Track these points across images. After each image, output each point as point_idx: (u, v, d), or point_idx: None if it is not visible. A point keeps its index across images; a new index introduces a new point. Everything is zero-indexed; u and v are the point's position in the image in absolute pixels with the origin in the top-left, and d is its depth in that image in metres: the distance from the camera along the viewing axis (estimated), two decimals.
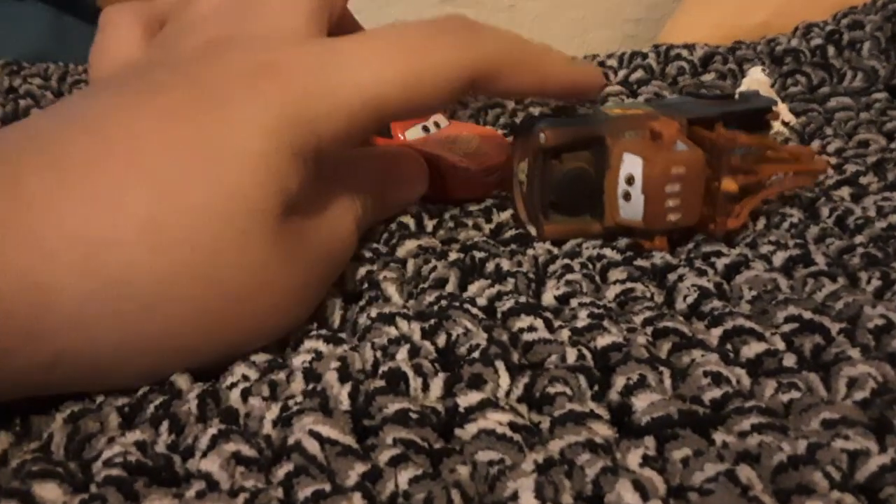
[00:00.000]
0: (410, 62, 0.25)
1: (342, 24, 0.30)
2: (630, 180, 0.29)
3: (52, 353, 0.21)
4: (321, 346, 0.24)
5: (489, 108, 0.45)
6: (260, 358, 0.24)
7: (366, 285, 0.28)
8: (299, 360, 0.24)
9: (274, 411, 0.22)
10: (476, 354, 0.23)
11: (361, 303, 0.27)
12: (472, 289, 0.28)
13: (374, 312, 0.26)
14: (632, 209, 0.29)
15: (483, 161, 0.33)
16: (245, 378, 0.23)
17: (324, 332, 0.25)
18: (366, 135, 0.26)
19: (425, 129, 0.35)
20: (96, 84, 0.27)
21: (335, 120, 0.24)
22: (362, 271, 0.29)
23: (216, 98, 0.23)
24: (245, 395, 0.23)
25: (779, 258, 0.30)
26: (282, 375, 0.23)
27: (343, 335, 0.26)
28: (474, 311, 0.26)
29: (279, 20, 0.26)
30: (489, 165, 0.33)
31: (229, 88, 0.23)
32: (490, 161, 0.33)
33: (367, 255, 0.30)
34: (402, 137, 0.35)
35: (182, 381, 0.23)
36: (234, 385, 0.23)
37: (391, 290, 0.27)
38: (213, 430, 0.21)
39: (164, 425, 0.22)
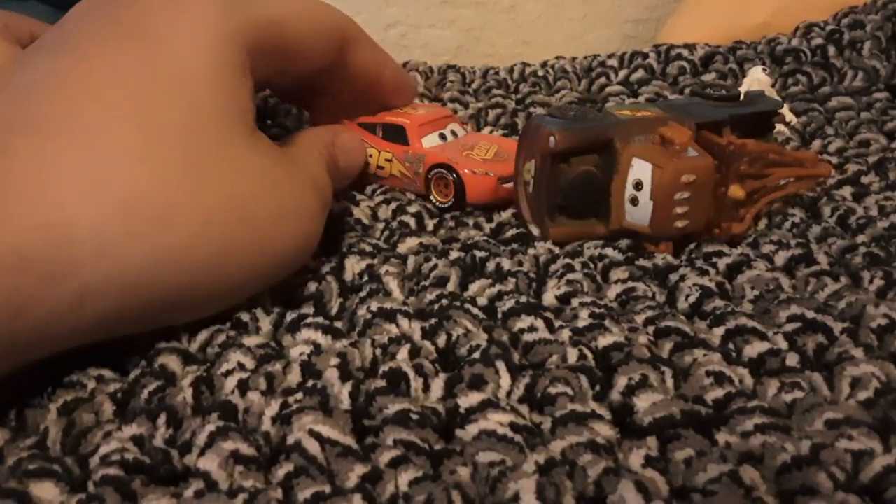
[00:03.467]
0: (302, 3, 0.29)
1: None
2: (638, 185, 0.29)
3: (78, 290, 0.21)
4: (319, 337, 0.24)
5: (490, 108, 0.45)
6: (254, 342, 0.24)
7: (366, 278, 0.28)
8: (297, 352, 0.24)
9: (273, 408, 0.21)
10: (477, 355, 0.23)
11: (362, 294, 0.27)
12: (473, 288, 0.28)
13: (374, 306, 0.26)
14: (639, 214, 0.29)
15: (501, 168, 0.33)
16: (241, 366, 0.23)
17: (321, 320, 0.25)
18: (274, 59, 0.28)
19: (442, 136, 0.35)
20: (19, 59, 0.27)
21: (254, 32, 0.26)
22: (363, 264, 0.29)
23: (149, 32, 0.25)
24: (242, 388, 0.22)
25: (781, 258, 0.29)
26: (278, 367, 0.23)
27: (340, 325, 0.26)
28: (475, 311, 0.26)
29: None
30: (507, 173, 0.33)
31: (156, 19, 0.25)
32: (507, 169, 0.33)
33: (368, 249, 0.30)
34: (418, 145, 0.35)
35: (174, 363, 0.23)
36: (229, 373, 0.23)
37: (392, 284, 0.27)
38: (211, 427, 0.20)
39: (162, 418, 0.21)
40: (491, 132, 0.43)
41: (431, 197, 0.34)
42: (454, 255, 0.30)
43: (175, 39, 0.24)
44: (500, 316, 0.26)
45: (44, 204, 0.21)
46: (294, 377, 0.23)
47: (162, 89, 0.24)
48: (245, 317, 0.26)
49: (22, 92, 0.24)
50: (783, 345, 0.24)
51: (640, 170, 0.29)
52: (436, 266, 0.29)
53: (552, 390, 0.22)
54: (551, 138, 0.29)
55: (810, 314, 0.25)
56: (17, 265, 0.20)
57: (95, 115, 0.23)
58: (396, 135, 0.35)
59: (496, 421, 0.21)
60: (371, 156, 0.36)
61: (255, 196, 0.24)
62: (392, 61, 0.35)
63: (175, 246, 0.22)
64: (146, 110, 0.23)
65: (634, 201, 0.29)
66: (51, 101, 0.23)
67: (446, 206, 0.34)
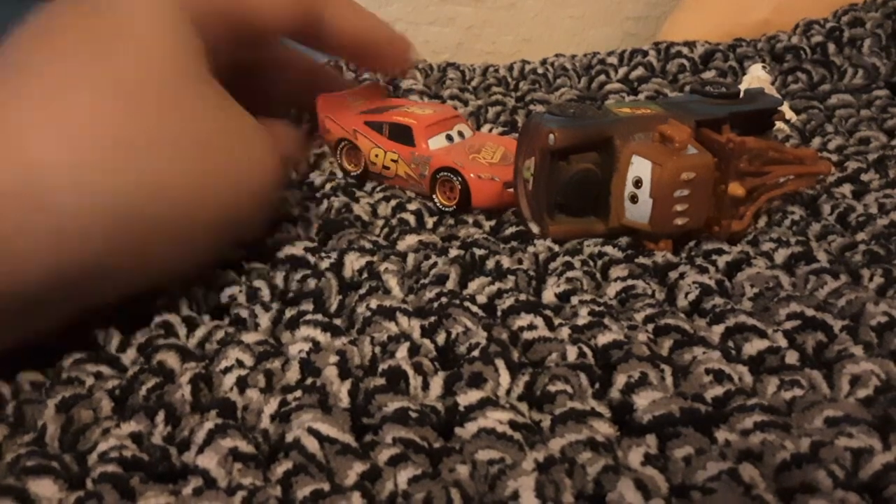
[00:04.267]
0: None
1: None
2: (638, 183, 0.29)
3: (58, 222, 0.22)
4: (318, 334, 0.24)
5: (489, 105, 0.45)
6: (252, 338, 0.24)
7: (366, 275, 0.28)
8: (296, 349, 0.24)
9: (272, 405, 0.21)
10: (476, 353, 0.23)
11: (361, 291, 0.27)
12: (473, 286, 0.28)
13: (373, 304, 0.26)
14: (638, 211, 0.29)
15: (507, 173, 0.33)
16: (239, 363, 0.23)
17: (320, 317, 0.25)
18: (232, 29, 0.29)
19: (449, 138, 0.35)
20: None
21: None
22: (362, 261, 0.29)
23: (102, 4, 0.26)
24: (241, 385, 0.22)
25: (780, 255, 0.29)
26: (277, 364, 0.23)
27: (339, 322, 0.26)
28: (474, 309, 0.26)
29: None
30: (512, 177, 0.33)
31: None
32: (513, 172, 0.33)
33: (368, 246, 0.30)
34: (425, 146, 0.35)
35: (172, 360, 0.23)
36: (227, 370, 0.23)
37: (392, 282, 0.27)
38: (209, 425, 0.20)
39: (160, 416, 0.21)
40: (490, 130, 0.43)
41: (436, 199, 0.34)
42: (454, 252, 0.30)
43: (128, 6, 0.26)
44: (499, 314, 0.26)
45: (16, 145, 0.22)
46: (293, 374, 0.23)
47: (116, 41, 0.25)
48: (244, 313, 0.26)
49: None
50: (783, 342, 0.24)
51: (640, 167, 0.29)
52: (435, 264, 0.29)
53: (552, 388, 0.22)
54: (551, 136, 0.29)
55: (810, 312, 0.25)
56: None
57: (56, 66, 0.24)
58: (403, 135, 0.35)
59: (495, 419, 0.21)
60: (377, 155, 0.36)
61: (217, 132, 0.26)
62: (383, 27, 0.34)
63: (148, 178, 0.23)
64: (103, 58, 0.24)
65: (634, 199, 0.29)
66: (17, 63, 0.24)
67: (450, 209, 0.34)
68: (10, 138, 0.22)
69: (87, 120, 0.23)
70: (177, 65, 0.26)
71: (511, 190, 0.32)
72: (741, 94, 0.33)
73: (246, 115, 0.28)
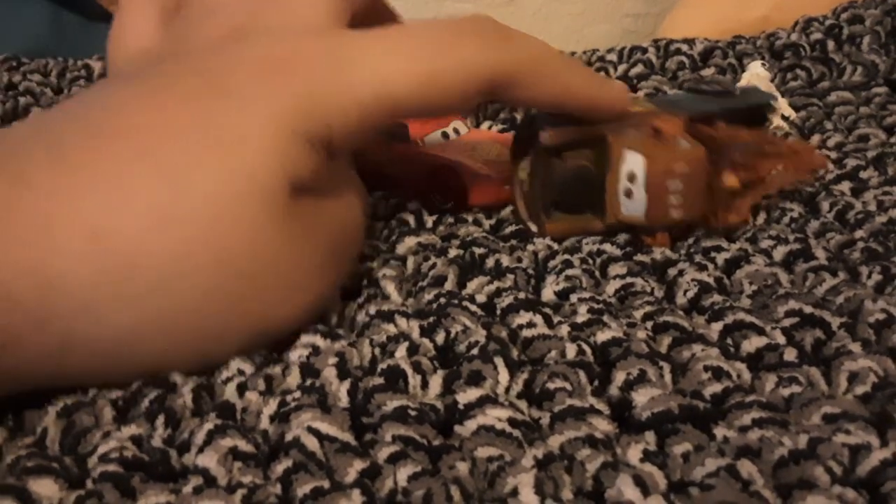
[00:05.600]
0: (428, 61, 0.24)
1: (375, 12, 0.30)
2: (632, 177, 0.29)
3: (61, 339, 0.20)
4: (318, 340, 0.24)
5: (489, 102, 0.45)
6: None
7: (365, 282, 0.28)
8: (296, 355, 0.24)
9: (272, 406, 0.21)
10: (475, 351, 0.23)
11: (360, 300, 0.27)
12: (472, 285, 0.28)
13: (372, 310, 0.26)
14: (634, 206, 0.29)
15: (503, 168, 0.33)
16: (240, 372, 0.23)
17: (321, 327, 0.25)
18: (378, 130, 0.26)
19: (444, 135, 0.35)
20: (108, 79, 0.27)
21: (347, 114, 0.24)
22: (361, 268, 0.29)
23: (226, 87, 0.23)
24: (241, 389, 0.22)
25: (779, 253, 0.30)
26: (277, 370, 0.23)
27: (341, 331, 0.26)
28: (473, 308, 0.26)
29: (297, 10, 0.26)
30: (510, 173, 0.33)
31: (240, 78, 0.23)
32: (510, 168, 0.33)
33: (367, 251, 0.30)
34: (420, 143, 0.34)
35: (177, 375, 0.23)
36: (229, 379, 0.23)
37: (390, 288, 0.27)
38: (209, 425, 0.21)
39: (160, 419, 0.21)
40: (490, 127, 0.43)
41: (432, 198, 0.34)
42: (453, 252, 0.30)
43: (242, 103, 0.23)
44: (498, 312, 0.26)
45: (42, 248, 0.20)
46: (293, 379, 0.23)
47: (201, 148, 0.22)
48: None
49: (73, 114, 0.23)
50: (781, 340, 0.24)
51: (633, 162, 0.29)
52: (434, 265, 0.29)
53: (551, 385, 0.22)
54: (544, 134, 0.29)
55: (808, 309, 0.25)
56: (7, 305, 0.20)
57: (124, 161, 0.21)
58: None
59: (495, 416, 0.21)
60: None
61: (268, 273, 0.23)
62: (578, 87, 0.28)
63: (164, 315, 0.21)
64: (175, 167, 0.22)
65: (629, 194, 0.29)
66: (86, 134, 0.22)
67: (446, 207, 0.34)
68: (39, 232, 0.20)
69: (119, 241, 0.21)
70: (257, 192, 0.22)
71: (508, 187, 0.32)
72: (735, 91, 0.33)
73: (310, 239, 0.24)
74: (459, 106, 0.26)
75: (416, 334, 0.25)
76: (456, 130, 0.36)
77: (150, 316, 0.21)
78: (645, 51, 0.51)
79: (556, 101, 0.28)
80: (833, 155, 0.38)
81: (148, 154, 0.22)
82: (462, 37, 0.25)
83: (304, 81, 0.24)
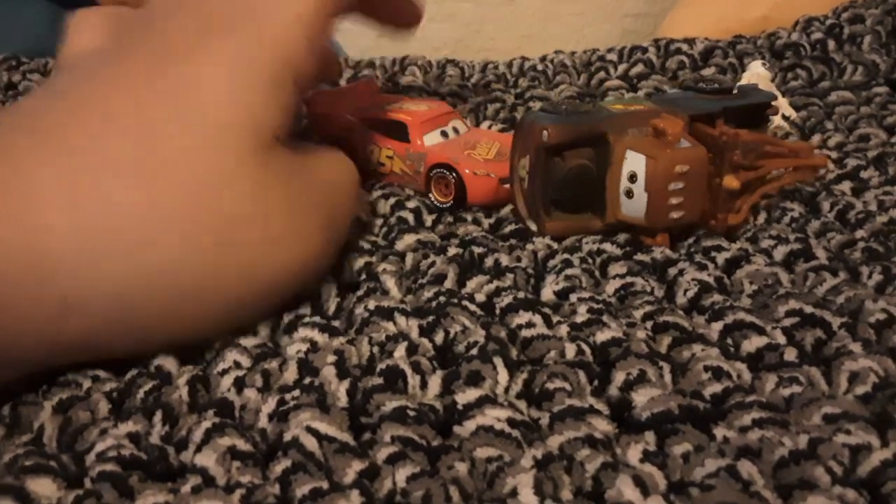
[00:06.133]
0: None
1: None
2: (633, 178, 0.29)
3: (58, 304, 0.21)
4: (316, 335, 0.24)
5: (489, 102, 0.45)
6: (250, 342, 0.24)
7: (364, 276, 0.28)
8: (294, 349, 0.24)
9: (270, 405, 0.21)
10: (474, 351, 0.23)
11: (359, 293, 0.27)
12: (471, 284, 0.28)
13: (371, 305, 0.26)
14: (634, 206, 0.29)
15: (502, 169, 0.33)
16: (237, 365, 0.23)
17: (318, 319, 0.25)
18: (321, 52, 0.27)
19: (444, 134, 0.35)
20: (66, 66, 0.27)
21: (294, 37, 0.25)
22: (360, 262, 0.29)
23: (180, 50, 0.24)
24: (239, 385, 0.22)
25: (779, 252, 0.29)
26: (274, 364, 0.23)
27: (337, 324, 0.26)
28: (472, 307, 0.26)
29: None
30: (508, 174, 0.33)
31: (192, 39, 0.24)
32: (509, 169, 0.33)
33: (366, 246, 0.30)
34: (420, 143, 0.34)
35: (170, 364, 0.23)
36: (225, 371, 0.23)
37: (390, 283, 0.27)
38: (207, 424, 0.20)
39: (158, 416, 0.21)
40: (490, 127, 0.43)
41: (431, 196, 0.34)
42: (452, 251, 0.30)
43: (199, 58, 0.24)
44: (498, 312, 0.26)
45: (26, 202, 0.21)
46: (291, 374, 0.23)
47: (167, 104, 0.23)
48: None
49: (44, 94, 0.24)
50: (781, 339, 0.24)
51: (634, 162, 0.29)
52: (434, 263, 0.29)
53: (550, 386, 0.22)
54: (545, 132, 0.29)
55: (809, 309, 0.25)
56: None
57: (93, 124, 0.22)
58: (398, 131, 0.35)
59: (494, 416, 0.21)
60: (372, 152, 0.36)
61: (247, 222, 0.23)
62: None
63: (153, 269, 0.22)
64: (145, 123, 0.23)
65: (629, 194, 0.29)
66: (58, 107, 0.23)
67: (446, 206, 0.34)
68: (26, 196, 0.21)
69: (102, 196, 0.21)
70: (233, 141, 0.23)
71: (507, 186, 0.32)
72: (734, 90, 0.33)
73: (296, 188, 0.25)
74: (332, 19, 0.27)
75: (415, 334, 0.25)
76: (455, 129, 0.36)
77: (140, 270, 0.22)
78: (645, 50, 0.51)
79: None
80: (833, 155, 0.38)
81: (117, 116, 0.23)
82: None
83: (245, 26, 0.24)
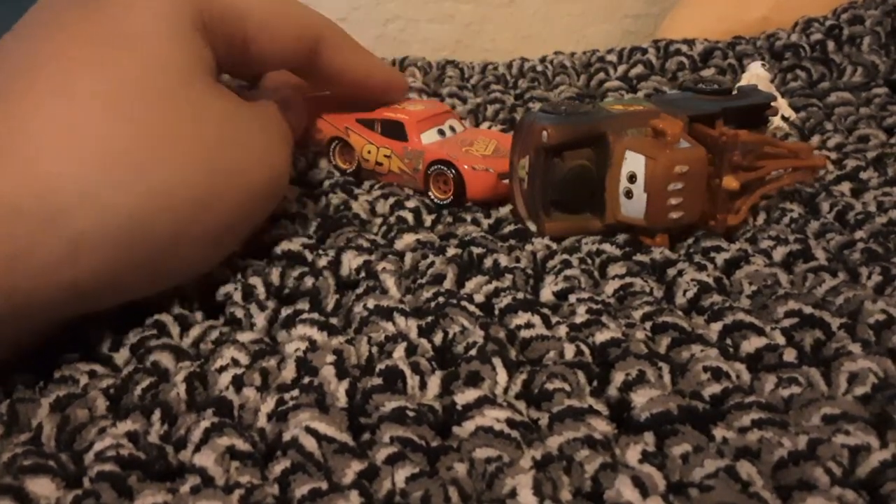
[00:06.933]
0: (278, 2, 0.30)
1: None
2: (632, 178, 0.29)
3: (71, 237, 0.22)
4: (315, 333, 0.24)
5: (488, 103, 0.45)
6: (247, 337, 0.24)
7: (363, 274, 0.28)
8: (292, 347, 0.24)
9: (269, 404, 0.21)
10: (473, 352, 0.23)
11: (358, 291, 0.27)
12: (470, 285, 0.28)
13: (371, 303, 0.26)
14: (633, 207, 0.29)
15: (500, 165, 0.33)
16: (235, 362, 0.23)
17: (316, 316, 0.25)
18: (236, 43, 0.29)
19: (441, 132, 0.35)
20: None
21: (213, 10, 0.27)
22: (359, 260, 0.29)
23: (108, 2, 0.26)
24: (237, 383, 0.22)
25: (779, 253, 0.29)
26: (273, 362, 0.23)
27: (335, 321, 0.26)
28: (471, 308, 0.26)
29: None
30: (506, 169, 0.33)
31: None
32: (507, 164, 0.33)
33: (366, 245, 0.30)
34: (418, 141, 0.35)
35: (167, 360, 0.23)
36: (223, 369, 0.23)
37: (389, 282, 0.27)
38: (206, 423, 0.20)
39: (156, 414, 0.21)
40: (490, 127, 0.43)
41: (431, 194, 0.34)
42: (451, 251, 0.30)
43: (132, 7, 0.26)
44: (497, 313, 0.26)
45: (25, 155, 0.22)
46: (289, 373, 0.23)
47: (120, 45, 0.25)
48: (239, 312, 0.26)
49: (19, 34, 0.25)
50: (781, 340, 0.24)
51: (634, 162, 0.29)
52: (433, 263, 0.29)
53: (549, 386, 0.22)
54: (544, 133, 0.29)
55: (808, 310, 0.25)
56: (8, 214, 0.21)
57: (61, 73, 0.24)
58: (395, 131, 0.35)
59: (493, 417, 0.21)
60: (370, 152, 0.36)
61: (224, 136, 0.26)
62: (380, 66, 0.35)
63: (157, 190, 0.23)
64: (108, 65, 0.24)
65: (629, 194, 0.29)
66: (22, 63, 0.24)
67: (446, 202, 0.34)
68: (23, 147, 0.22)
69: (92, 132, 0.23)
70: (180, 67, 0.26)
71: (505, 181, 0.32)
72: (734, 91, 0.33)
73: (253, 111, 0.28)
74: (291, 49, 0.31)
75: (414, 334, 0.25)
76: (452, 128, 0.36)
77: (142, 193, 0.23)
78: (645, 51, 0.51)
79: (364, 72, 0.34)
80: (833, 155, 0.38)
81: (80, 65, 0.24)
82: (302, 3, 0.32)
83: None
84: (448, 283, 0.28)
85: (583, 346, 0.24)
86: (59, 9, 0.26)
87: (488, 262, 0.29)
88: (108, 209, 0.22)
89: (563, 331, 0.25)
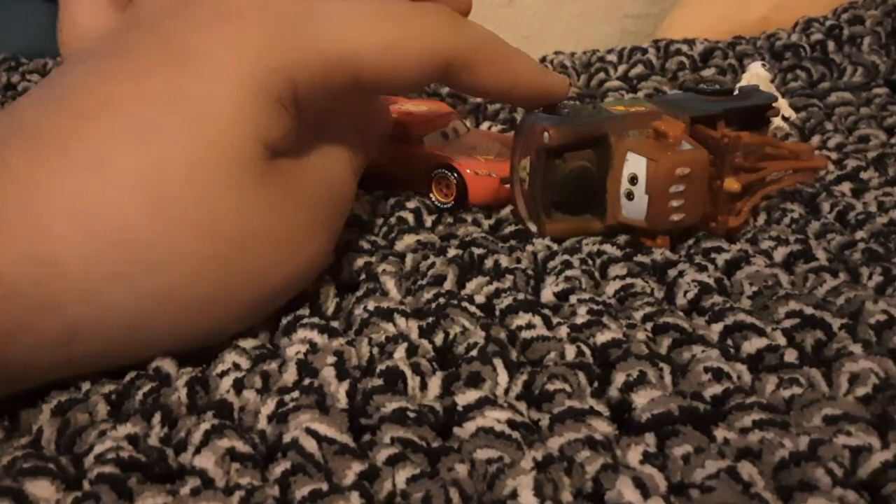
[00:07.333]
0: (392, 30, 0.25)
1: None
2: (633, 180, 0.29)
3: (67, 325, 0.21)
4: (316, 336, 0.24)
5: (489, 102, 0.45)
6: (249, 344, 0.24)
7: (363, 276, 0.28)
8: (293, 351, 0.24)
9: (269, 406, 0.21)
10: (474, 353, 0.23)
11: (359, 293, 0.27)
12: (471, 286, 0.28)
13: (371, 305, 0.26)
14: (634, 208, 0.29)
15: (503, 169, 0.33)
16: (236, 366, 0.23)
17: (317, 320, 0.25)
18: (341, 92, 0.26)
19: (444, 135, 0.35)
20: (70, 59, 0.26)
21: (311, 69, 0.24)
22: (360, 262, 0.29)
23: (187, 52, 0.23)
24: (238, 386, 0.22)
25: (780, 253, 0.29)
26: (274, 365, 0.23)
27: (336, 324, 0.25)
28: (472, 308, 0.26)
29: None
30: (510, 171, 0.33)
31: (199, 40, 0.23)
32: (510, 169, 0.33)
33: (366, 246, 0.30)
34: (420, 143, 0.35)
35: (169, 365, 0.23)
36: (224, 373, 0.23)
37: (390, 283, 0.27)
38: (206, 425, 0.20)
39: (157, 417, 0.21)
40: (490, 127, 0.43)
41: (432, 197, 0.34)
42: (452, 252, 0.30)
43: (207, 67, 0.23)
44: (497, 313, 0.26)
45: (32, 234, 0.20)
46: (290, 376, 0.23)
47: (175, 120, 0.22)
48: None
49: (44, 99, 0.23)
50: (782, 341, 0.24)
51: (635, 164, 0.29)
52: (433, 264, 0.29)
53: (550, 387, 0.22)
54: (546, 134, 0.29)
55: (809, 310, 0.25)
56: (5, 292, 0.20)
57: (99, 140, 0.21)
58: (397, 133, 0.35)
59: (494, 418, 0.21)
60: None
61: (256, 235, 0.23)
62: (526, 77, 0.29)
63: (164, 290, 0.22)
64: (153, 142, 0.22)
65: (630, 196, 0.29)
66: (60, 115, 0.22)
67: (447, 206, 0.34)
68: (31, 217, 0.20)
69: (112, 217, 0.21)
70: (237, 159, 0.22)
71: (508, 186, 0.32)
72: (735, 91, 0.33)
73: (297, 197, 0.25)
74: (415, 82, 0.26)
75: (414, 335, 0.25)
76: (455, 130, 0.36)
77: (149, 292, 0.21)
78: (645, 51, 0.51)
79: (508, 86, 0.29)
80: (833, 156, 0.38)
81: (123, 132, 0.22)
82: (423, 15, 0.26)
83: (265, 34, 0.23)
84: (449, 284, 0.28)
85: (584, 347, 0.24)
86: (140, 36, 0.24)
87: (489, 263, 0.29)
88: (106, 305, 0.21)
89: (563, 331, 0.25)
